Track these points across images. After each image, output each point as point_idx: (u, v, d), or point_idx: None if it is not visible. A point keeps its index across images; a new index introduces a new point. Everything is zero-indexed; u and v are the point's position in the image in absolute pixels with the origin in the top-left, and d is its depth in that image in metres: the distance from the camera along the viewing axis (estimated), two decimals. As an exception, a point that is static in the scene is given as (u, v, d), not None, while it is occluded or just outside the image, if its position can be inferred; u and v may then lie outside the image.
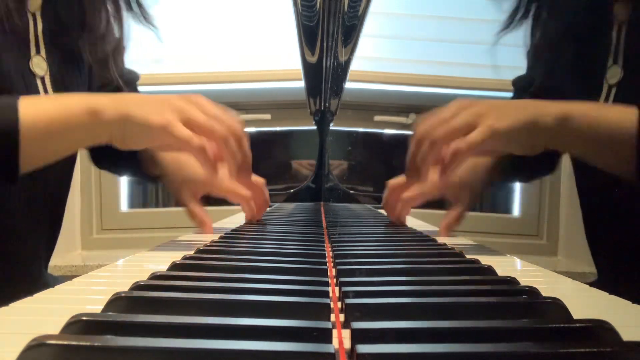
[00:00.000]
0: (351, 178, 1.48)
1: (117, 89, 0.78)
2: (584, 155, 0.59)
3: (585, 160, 0.59)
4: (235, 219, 0.94)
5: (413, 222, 0.92)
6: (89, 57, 0.73)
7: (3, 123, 0.52)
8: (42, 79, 0.66)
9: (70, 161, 0.75)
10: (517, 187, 1.75)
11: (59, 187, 0.75)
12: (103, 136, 0.57)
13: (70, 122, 0.56)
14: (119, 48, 0.76)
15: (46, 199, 0.71)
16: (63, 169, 0.74)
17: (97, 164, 0.87)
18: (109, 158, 0.84)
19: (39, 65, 0.66)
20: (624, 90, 0.65)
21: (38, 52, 0.66)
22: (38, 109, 0.55)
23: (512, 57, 0.81)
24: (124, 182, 1.75)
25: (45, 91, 0.66)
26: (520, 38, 0.78)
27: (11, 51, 0.63)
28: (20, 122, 0.52)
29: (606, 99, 0.66)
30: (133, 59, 0.82)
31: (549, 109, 0.56)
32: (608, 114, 0.56)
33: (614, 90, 0.65)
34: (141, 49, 0.80)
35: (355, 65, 1.16)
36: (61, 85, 0.69)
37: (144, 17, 0.75)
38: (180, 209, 0.76)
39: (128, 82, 0.80)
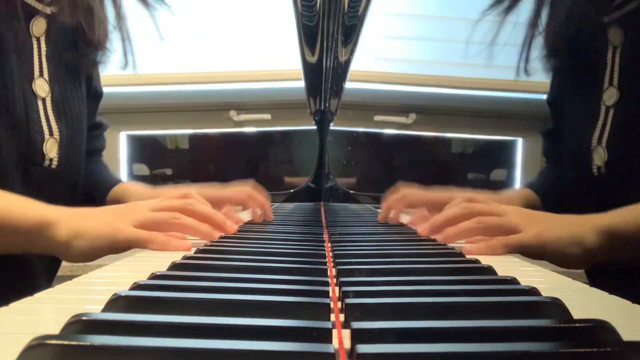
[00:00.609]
0: (351, 178, 1.48)
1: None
2: (632, 258, 0.58)
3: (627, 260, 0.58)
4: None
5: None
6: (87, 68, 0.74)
7: None
8: (44, 100, 0.67)
9: (75, 178, 0.76)
10: (518, 186, 1.75)
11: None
12: (46, 249, 0.55)
13: (16, 230, 0.53)
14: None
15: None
16: (70, 186, 0.74)
17: None
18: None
19: (41, 87, 0.67)
20: (621, 111, 0.67)
21: (41, 74, 0.67)
22: None
23: (510, 57, 0.81)
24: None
25: (46, 112, 0.68)
26: (517, 37, 0.79)
27: (14, 72, 0.63)
28: None
29: (604, 120, 0.68)
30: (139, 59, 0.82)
31: (593, 224, 0.56)
32: None
33: (611, 111, 0.67)
34: (144, 49, 0.79)
35: (355, 65, 1.16)
36: (61, 107, 0.70)
37: None
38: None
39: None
